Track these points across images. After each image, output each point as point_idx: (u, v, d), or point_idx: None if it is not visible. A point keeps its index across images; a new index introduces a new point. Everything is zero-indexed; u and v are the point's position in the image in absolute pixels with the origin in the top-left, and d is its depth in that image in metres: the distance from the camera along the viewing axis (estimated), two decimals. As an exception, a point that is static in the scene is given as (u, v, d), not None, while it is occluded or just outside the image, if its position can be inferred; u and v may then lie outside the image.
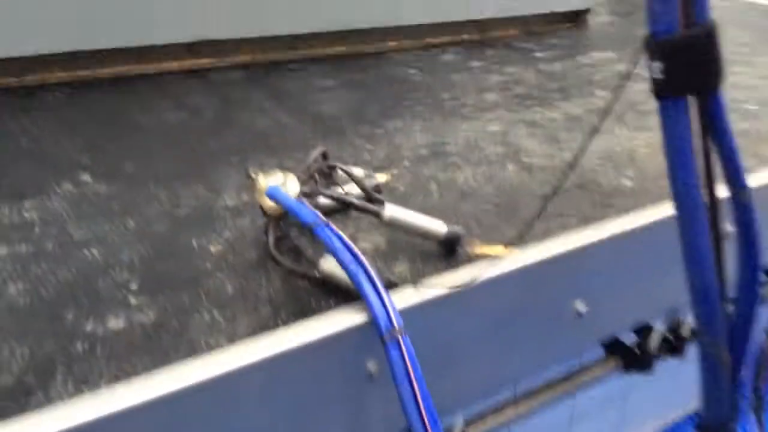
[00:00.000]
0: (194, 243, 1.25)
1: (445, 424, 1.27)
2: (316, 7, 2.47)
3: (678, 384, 2.12)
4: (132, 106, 1.95)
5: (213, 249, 1.23)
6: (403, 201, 1.37)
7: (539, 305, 1.25)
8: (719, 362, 0.68)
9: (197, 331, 1.01)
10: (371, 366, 1.05)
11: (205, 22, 2.28)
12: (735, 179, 0.60)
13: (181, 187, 1.47)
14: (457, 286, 1.06)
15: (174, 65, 2.31)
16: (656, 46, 0.51)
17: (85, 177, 1.49)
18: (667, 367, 2.00)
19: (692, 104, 0.54)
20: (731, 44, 3.04)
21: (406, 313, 1.02)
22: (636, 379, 1.92)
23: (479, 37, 2.98)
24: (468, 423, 1.36)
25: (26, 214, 1.32)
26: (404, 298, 1.07)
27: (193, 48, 2.32)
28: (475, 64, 2.54)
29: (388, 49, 2.71)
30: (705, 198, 0.58)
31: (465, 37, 2.93)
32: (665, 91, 0.54)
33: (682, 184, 0.57)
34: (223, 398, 0.92)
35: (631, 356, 1.59)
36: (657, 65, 0.52)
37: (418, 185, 1.53)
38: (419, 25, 2.74)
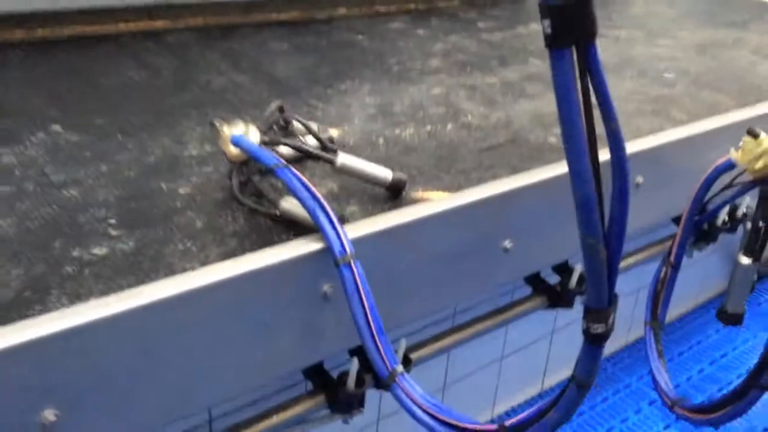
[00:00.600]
0: (164, 186, 1.38)
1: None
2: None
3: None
4: (93, 64, 2.04)
5: (182, 191, 1.37)
6: (353, 153, 1.52)
7: (472, 242, 1.43)
8: (598, 258, 0.86)
9: (173, 257, 1.15)
10: (326, 288, 1.21)
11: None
12: (608, 114, 0.78)
13: (147, 138, 1.59)
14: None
15: (131, 26, 2.39)
16: (546, 8, 0.68)
17: (56, 127, 1.59)
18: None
19: (573, 54, 0.71)
20: (659, 19, 3.27)
21: (357, 243, 1.19)
22: (565, 316, 2.14)
23: (425, 7, 3.12)
24: (411, 348, 1.54)
25: (4, 159, 1.42)
26: (355, 229, 1.23)
27: (151, 11, 2.41)
28: (421, 32, 2.69)
29: (338, 16, 2.83)
30: (584, 126, 0.75)
31: (412, 6, 3.07)
32: (553, 44, 0.70)
33: (567, 115, 0.74)
34: (196, 311, 1.07)
35: (555, 294, 1.80)
36: (546, 22, 0.69)
37: (366, 140, 1.69)
38: (370, -7, 2.87)
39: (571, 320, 2.22)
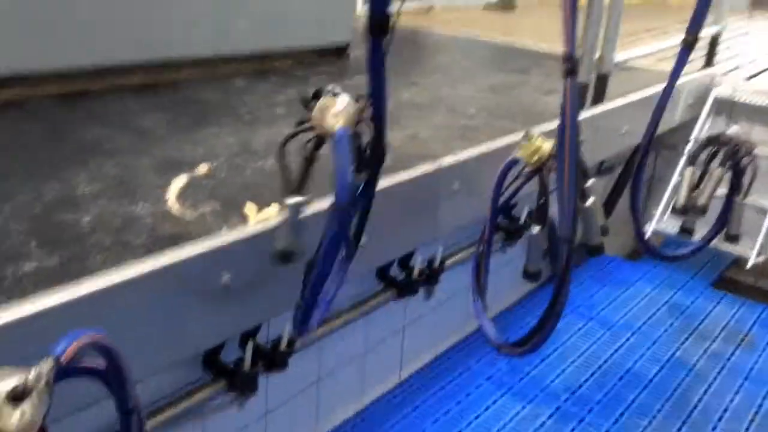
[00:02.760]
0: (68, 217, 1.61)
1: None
2: (115, 41, 2.81)
3: (450, 315, 2.78)
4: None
5: (85, 221, 1.61)
6: (225, 182, 1.83)
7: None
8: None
9: (92, 264, 1.40)
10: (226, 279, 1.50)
11: (16, 57, 2.53)
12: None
13: (41, 183, 1.80)
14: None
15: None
16: (371, 21, 1.10)
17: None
18: (439, 301, 2.64)
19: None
20: (459, 68, 3.88)
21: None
22: (413, 311, 2.54)
23: (261, 67, 3.50)
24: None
25: None
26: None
27: (6, 81, 2.57)
28: (262, 87, 3.05)
29: (182, 79, 3.13)
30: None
31: (250, 67, 3.44)
32: (370, 34, 1.12)
33: (376, 90, 1.15)
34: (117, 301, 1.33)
35: (395, 285, 2.19)
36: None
37: (235, 171, 2.00)
38: (210, 58, 3.20)
39: (419, 315, 2.62)
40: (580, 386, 2.77)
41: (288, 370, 1.98)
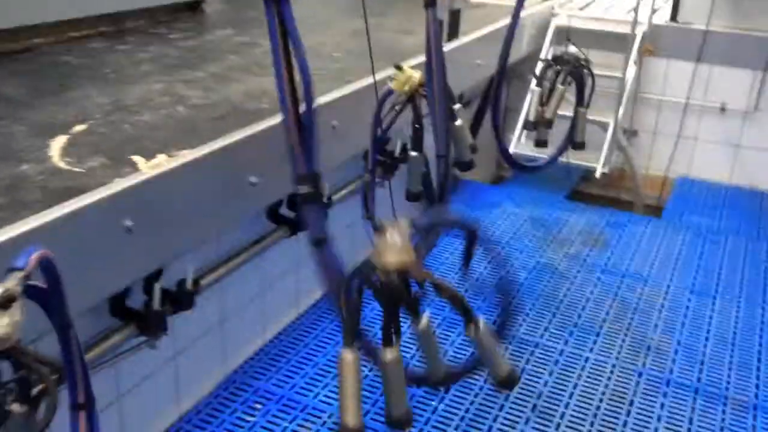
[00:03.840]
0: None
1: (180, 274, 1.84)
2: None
3: (339, 251, 2.92)
4: None
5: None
6: (102, 141, 1.87)
7: (225, 178, 1.88)
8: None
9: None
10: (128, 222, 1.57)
11: None
12: (297, 47, 1.30)
13: None
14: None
15: None
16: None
17: None
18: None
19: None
20: (319, 16, 3.97)
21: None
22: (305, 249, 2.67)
23: (115, 28, 3.42)
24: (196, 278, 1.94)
25: None
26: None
27: None
28: (122, 47, 3.01)
29: (35, 45, 3.02)
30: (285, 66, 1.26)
31: (103, 29, 3.35)
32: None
33: (275, 57, 1.25)
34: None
35: (286, 222, 2.32)
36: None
37: (113, 128, 2.03)
38: (62, 21, 3.10)
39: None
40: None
41: (193, 312, 2.08)
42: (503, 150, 2.91)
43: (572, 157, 4.18)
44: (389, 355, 1.43)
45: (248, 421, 2.26)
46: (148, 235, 1.62)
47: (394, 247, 1.39)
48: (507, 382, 1.51)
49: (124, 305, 1.79)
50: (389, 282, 1.41)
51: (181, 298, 1.87)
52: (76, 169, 1.73)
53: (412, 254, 1.40)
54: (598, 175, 4.06)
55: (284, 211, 2.41)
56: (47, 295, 0.96)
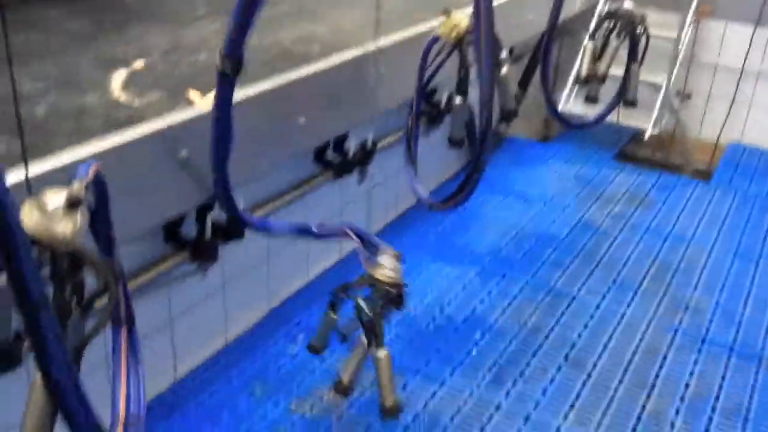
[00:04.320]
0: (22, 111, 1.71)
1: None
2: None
3: (382, 197, 2.99)
4: None
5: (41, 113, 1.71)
6: (163, 75, 1.94)
7: (275, 118, 1.95)
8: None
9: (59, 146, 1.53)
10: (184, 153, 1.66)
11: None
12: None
13: None
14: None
15: None
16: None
17: None
18: (372, 185, 2.85)
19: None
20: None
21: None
22: (349, 194, 2.75)
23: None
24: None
25: None
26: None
27: None
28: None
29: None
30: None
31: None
32: None
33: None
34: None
35: (332, 167, 2.39)
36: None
37: (171, 65, 2.11)
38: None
39: (354, 197, 2.83)
40: (501, 250, 3.09)
41: (242, 245, 2.18)
42: (551, 106, 2.90)
43: (622, 118, 4.14)
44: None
45: (290, 351, 2.37)
46: (203, 166, 1.71)
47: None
48: (390, 412, 1.64)
49: (178, 233, 1.90)
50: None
51: (231, 229, 1.96)
52: (136, 102, 1.82)
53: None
54: (647, 136, 4.01)
55: (331, 154, 2.48)
56: (96, 209, 1.04)
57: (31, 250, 0.81)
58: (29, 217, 0.90)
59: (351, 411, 2.16)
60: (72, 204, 0.92)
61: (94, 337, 0.97)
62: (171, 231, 1.88)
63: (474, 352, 2.46)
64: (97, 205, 1.04)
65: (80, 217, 0.93)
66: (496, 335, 2.55)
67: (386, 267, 1.62)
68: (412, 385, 2.28)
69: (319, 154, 2.40)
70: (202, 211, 1.89)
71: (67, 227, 0.91)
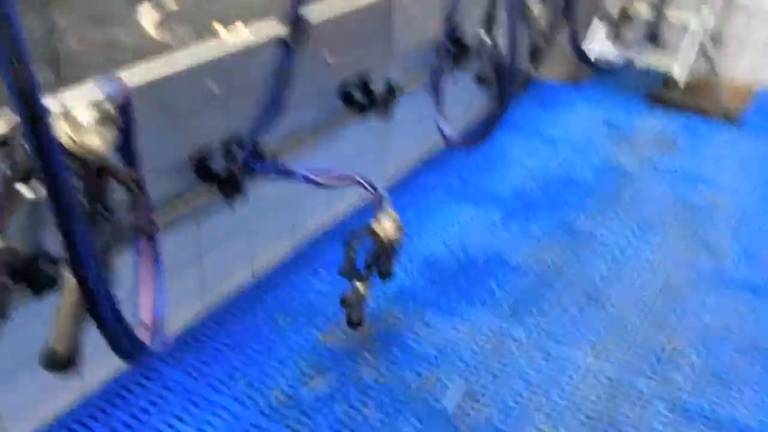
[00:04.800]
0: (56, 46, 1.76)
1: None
2: None
3: (408, 139, 3.01)
4: None
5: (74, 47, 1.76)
6: (193, 12, 1.97)
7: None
8: None
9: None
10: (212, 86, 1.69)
11: None
12: None
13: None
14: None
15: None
16: None
17: None
18: (397, 126, 2.87)
19: None
20: None
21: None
22: (376, 134, 2.77)
23: None
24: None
25: None
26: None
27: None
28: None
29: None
30: None
31: None
32: None
33: None
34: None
35: (358, 105, 2.41)
36: None
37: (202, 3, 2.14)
38: None
39: (381, 138, 2.86)
40: (525, 192, 3.10)
41: (266, 184, 2.23)
42: (578, 48, 2.88)
43: (652, 61, 4.07)
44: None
45: (314, 285, 2.44)
46: (231, 100, 1.75)
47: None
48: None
49: (207, 167, 1.95)
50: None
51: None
52: (166, 36, 1.86)
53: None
54: (678, 79, 3.95)
55: (357, 94, 2.50)
56: (123, 129, 1.09)
57: (66, 162, 0.86)
58: (63, 132, 0.95)
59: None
60: (103, 120, 0.96)
61: (119, 242, 1.03)
62: (200, 164, 1.93)
63: (495, 290, 2.50)
64: (125, 123, 1.09)
65: (110, 133, 0.98)
66: (517, 274, 2.59)
67: (385, 224, 1.83)
68: (433, 320, 2.34)
69: (345, 94, 2.42)
70: (229, 146, 1.94)
71: (100, 141, 0.96)
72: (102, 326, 0.97)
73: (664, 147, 3.56)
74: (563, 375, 2.16)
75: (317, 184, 1.85)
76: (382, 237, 1.84)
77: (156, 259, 1.16)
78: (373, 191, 1.79)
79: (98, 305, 0.93)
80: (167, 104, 1.64)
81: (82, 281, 0.90)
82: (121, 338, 1.02)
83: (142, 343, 1.12)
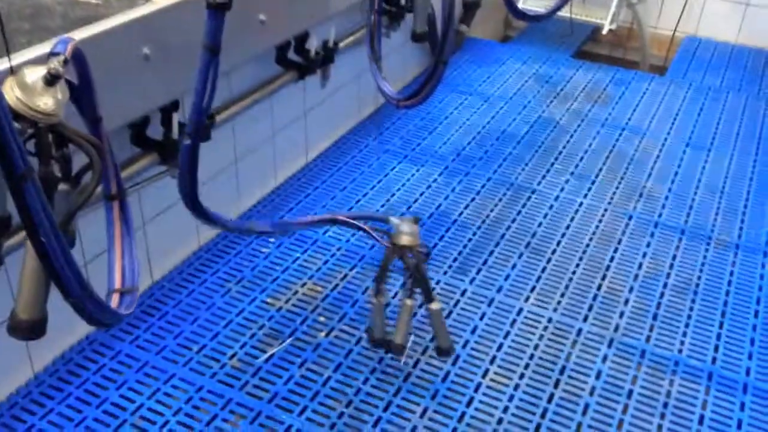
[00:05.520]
0: None
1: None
2: None
3: (346, 102, 3.01)
4: None
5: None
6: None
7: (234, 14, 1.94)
8: None
9: (18, 46, 1.51)
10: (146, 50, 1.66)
11: None
12: None
13: None
14: None
15: None
16: None
17: None
18: (335, 88, 2.85)
19: None
20: None
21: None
22: (313, 98, 2.76)
23: None
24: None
25: None
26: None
27: None
28: None
29: None
30: None
31: None
32: None
33: None
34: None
35: (295, 66, 2.39)
36: None
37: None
38: None
39: (318, 102, 2.85)
40: (464, 148, 3.16)
41: (208, 150, 2.20)
42: (510, 3, 2.92)
43: (579, 14, 4.17)
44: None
45: (263, 252, 2.44)
46: (165, 64, 1.72)
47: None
48: (446, 353, 1.99)
49: (145, 135, 1.91)
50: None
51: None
52: (93, 1, 1.80)
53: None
54: (605, 31, 4.06)
55: (292, 55, 2.48)
56: (79, 87, 1.07)
57: (13, 124, 0.84)
58: (10, 93, 0.93)
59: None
60: (51, 78, 0.94)
61: (80, 208, 1.01)
62: (138, 132, 1.90)
63: (439, 245, 2.56)
64: (80, 81, 1.07)
65: (60, 92, 0.96)
66: (460, 228, 2.65)
67: (405, 232, 1.85)
68: (381, 277, 2.38)
69: (281, 55, 2.40)
70: (167, 112, 1.91)
71: (48, 101, 0.94)
72: (65, 293, 0.96)
73: (594, 99, 3.66)
74: (508, 322, 2.24)
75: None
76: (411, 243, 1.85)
77: (126, 224, 1.15)
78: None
79: (57, 271, 0.92)
80: (100, 67, 1.60)
81: (37, 247, 0.89)
82: (86, 304, 1.01)
83: (110, 308, 1.11)
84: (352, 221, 1.85)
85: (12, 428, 1.77)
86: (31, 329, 1.03)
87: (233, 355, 2.05)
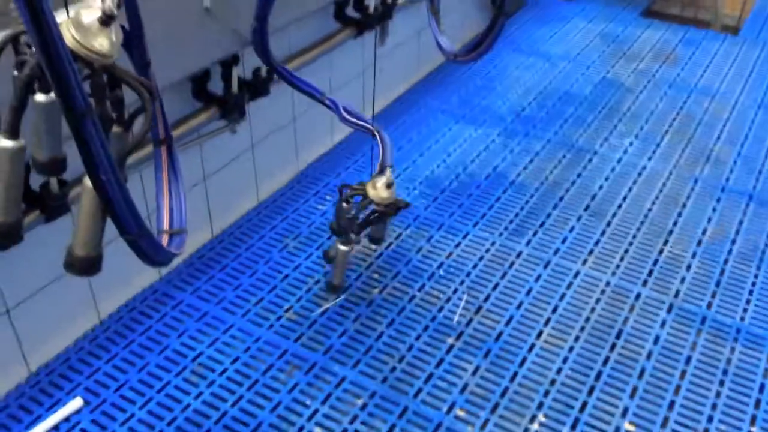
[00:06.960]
0: None
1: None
2: None
3: (405, 60, 2.98)
4: None
5: None
6: None
7: None
8: None
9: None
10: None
11: None
12: None
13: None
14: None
15: None
16: None
17: None
18: (394, 46, 2.83)
19: None
20: None
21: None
22: (372, 56, 2.73)
23: None
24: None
25: None
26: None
27: None
28: None
29: None
30: None
31: None
32: None
33: None
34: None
35: (353, 23, 2.37)
36: None
37: None
38: None
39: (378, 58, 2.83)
40: (524, 109, 3.10)
41: (268, 107, 2.22)
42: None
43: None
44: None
45: (319, 209, 2.47)
46: (226, 17, 1.72)
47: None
48: (334, 289, 2.02)
49: (206, 89, 1.94)
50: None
51: (257, 85, 2.00)
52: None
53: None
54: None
55: (351, 11, 2.46)
56: (129, 31, 1.08)
57: (74, 64, 0.86)
58: (67, 34, 0.94)
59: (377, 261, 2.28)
60: (106, 20, 0.96)
61: (134, 148, 1.04)
62: (199, 86, 1.92)
63: (496, 207, 2.53)
64: (130, 24, 1.08)
65: (114, 33, 0.97)
66: (518, 190, 2.61)
67: (380, 189, 1.81)
68: (436, 237, 2.37)
69: (340, 11, 2.39)
70: (228, 67, 1.92)
71: (104, 42, 0.96)
72: (121, 230, 0.99)
73: (662, 59, 3.53)
74: (564, 285, 2.21)
75: (342, 117, 1.85)
76: (377, 202, 1.81)
77: (173, 168, 1.17)
78: (381, 150, 1.79)
79: (114, 208, 0.95)
80: (161, 18, 1.62)
81: (96, 182, 0.91)
82: (141, 242, 1.04)
83: (163, 247, 1.14)
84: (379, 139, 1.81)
85: (78, 371, 1.86)
86: (87, 266, 1.05)
87: (289, 308, 2.09)
